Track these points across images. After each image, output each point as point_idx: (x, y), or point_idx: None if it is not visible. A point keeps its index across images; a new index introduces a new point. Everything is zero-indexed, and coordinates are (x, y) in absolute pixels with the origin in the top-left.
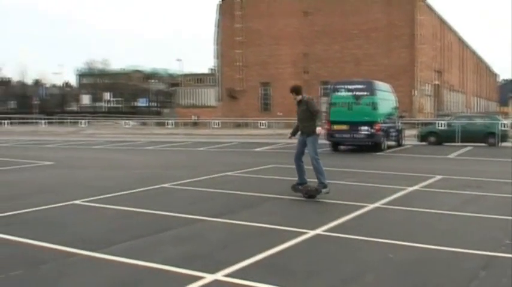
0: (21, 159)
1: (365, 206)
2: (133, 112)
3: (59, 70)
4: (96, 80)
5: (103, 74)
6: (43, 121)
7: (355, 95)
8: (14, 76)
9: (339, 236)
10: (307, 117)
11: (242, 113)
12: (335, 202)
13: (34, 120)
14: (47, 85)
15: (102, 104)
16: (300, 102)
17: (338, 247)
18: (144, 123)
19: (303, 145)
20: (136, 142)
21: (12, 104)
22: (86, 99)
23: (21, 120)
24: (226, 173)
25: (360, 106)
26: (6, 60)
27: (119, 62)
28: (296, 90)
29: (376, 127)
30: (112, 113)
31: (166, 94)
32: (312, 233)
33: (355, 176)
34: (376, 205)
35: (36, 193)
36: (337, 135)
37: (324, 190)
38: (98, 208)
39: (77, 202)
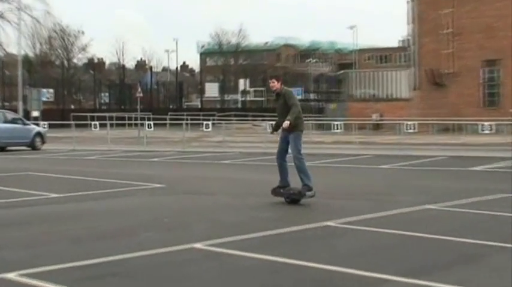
0: (121, 179)
1: None
2: None
3: (172, 47)
4: (227, 60)
5: (238, 51)
6: (148, 123)
7: None
8: (107, 56)
9: None
10: (285, 111)
11: (452, 109)
12: None
13: (134, 121)
14: (156, 69)
15: (236, 96)
16: (278, 95)
17: None
18: None
19: (285, 142)
20: None
21: (105, 98)
22: (212, 89)
23: (117, 121)
24: (428, 207)
25: None
26: (96, 33)
27: (260, 33)
28: (276, 77)
29: None
30: (250, 110)
31: (332, 81)
32: None
33: None
34: None
35: (144, 229)
36: None
37: (308, 193)
38: (229, 256)
39: (198, 245)
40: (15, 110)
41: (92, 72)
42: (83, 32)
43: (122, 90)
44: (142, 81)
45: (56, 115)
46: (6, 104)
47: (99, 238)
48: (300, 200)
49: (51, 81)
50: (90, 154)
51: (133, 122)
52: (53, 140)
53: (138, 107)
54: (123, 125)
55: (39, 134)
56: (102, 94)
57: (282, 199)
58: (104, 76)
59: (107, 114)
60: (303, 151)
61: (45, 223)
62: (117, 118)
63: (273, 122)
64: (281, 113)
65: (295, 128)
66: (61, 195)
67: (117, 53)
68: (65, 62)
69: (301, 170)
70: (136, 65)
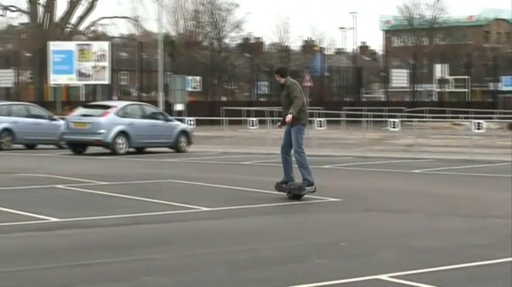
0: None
1: None
2: (491, 103)
3: (348, 23)
4: (419, 40)
5: (433, 28)
6: (319, 119)
7: None
8: (267, 36)
9: None
10: (289, 104)
11: None
12: None
13: None
14: (328, 52)
15: (431, 86)
16: (282, 86)
17: None
18: None
19: (288, 136)
20: (496, 164)
21: (264, 88)
22: (399, 77)
23: (279, 117)
24: None
25: None
26: (253, 6)
27: (462, 5)
28: (281, 72)
29: None
30: (449, 104)
31: None
32: None
33: None
34: None
35: (316, 254)
36: None
37: (307, 188)
38: None
39: (384, 277)
40: (154, 103)
41: (247, 55)
42: (237, 5)
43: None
44: (311, 67)
45: (204, 109)
46: (144, 95)
47: (261, 264)
48: (301, 196)
49: (198, 67)
50: (246, 158)
51: None
52: (200, 140)
53: (306, 99)
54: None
55: (184, 132)
56: (260, 83)
57: (498, 222)
58: (263, 60)
59: (266, 108)
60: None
61: (193, 243)
62: (279, 113)
63: (479, 120)
64: (285, 105)
65: (298, 121)
66: (211, 209)
67: (278, 32)
68: (215, 43)
69: (302, 165)
70: (303, 47)
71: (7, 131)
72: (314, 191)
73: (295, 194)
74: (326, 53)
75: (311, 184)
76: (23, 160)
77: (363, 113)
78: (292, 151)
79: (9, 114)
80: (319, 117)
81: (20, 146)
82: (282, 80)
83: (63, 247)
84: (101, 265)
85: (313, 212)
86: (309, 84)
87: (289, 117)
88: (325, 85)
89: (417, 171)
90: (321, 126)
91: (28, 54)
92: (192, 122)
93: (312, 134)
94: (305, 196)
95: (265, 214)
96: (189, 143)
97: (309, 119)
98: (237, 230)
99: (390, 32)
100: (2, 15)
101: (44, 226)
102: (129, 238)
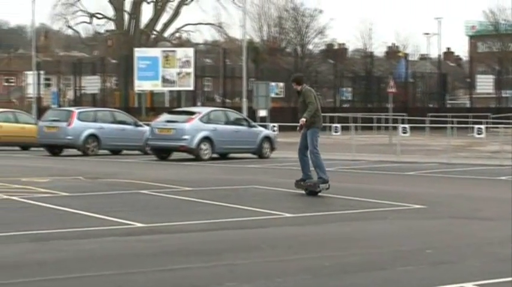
0: (368, 197)
1: None
2: None
3: (433, 29)
4: (505, 45)
5: None
6: (403, 126)
7: None
8: (351, 42)
9: None
10: (305, 109)
11: None
12: None
13: (385, 124)
14: (412, 58)
15: None
16: (299, 93)
17: None
18: None
19: (305, 138)
20: None
21: (347, 94)
22: (485, 83)
23: (363, 124)
24: None
25: None
26: (337, 12)
27: None
28: (297, 81)
29: None
30: None
31: None
32: None
33: None
34: None
35: (401, 262)
36: None
37: (322, 185)
38: None
39: (469, 285)
40: (238, 109)
41: (331, 61)
42: (320, 11)
43: (368, 84)
44: (395, 73)
45: (287, 115)
46: (228, 101)
47: (345, 271)
48: (317, 192)
49: (281, 73)
50: (330, 164)
51: (383, 125)
52: (283, 146)
53: (390, 105)
54: (370, 128)
55: (267, 138)
56: (344, 89)
57: None
58: (346, 66)
59: (349, 114)
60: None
61: (276, 249)
62: (363, 120)
63: None
64: (302, 110)
65: (313, 124)
66: (296, 215)
67: (362, 37)
68: (298, 49)
69: (317, 165)
70: (386, 53)
71: (93, 137)
72: (328, 188)
73: (311, 191)
74: (410, 58)
75: (325, 181)
76: (108, 166)
77: (448, 119)
78: (308, 152)
79: (95, 121)
80: (402, 123)
81: (106, 151)
82: (299, 88)
83: (147, 252)
84: (184, 271)
85: (397, 218)
86: (393, 90)
87: (302, 120)
88: (409, 91)
89: (503, 178)
90: (405, 132)
91: (114, 61)
92: (275, 128)
93: (395, 140)
94: (389, 202)
95: (348, 221)
96: (272, 149)
97: (393, 125)
98: (321, 237)
99: (475, 38)
100: (89, 23)
101: (129, 231)
102: (213, 244)
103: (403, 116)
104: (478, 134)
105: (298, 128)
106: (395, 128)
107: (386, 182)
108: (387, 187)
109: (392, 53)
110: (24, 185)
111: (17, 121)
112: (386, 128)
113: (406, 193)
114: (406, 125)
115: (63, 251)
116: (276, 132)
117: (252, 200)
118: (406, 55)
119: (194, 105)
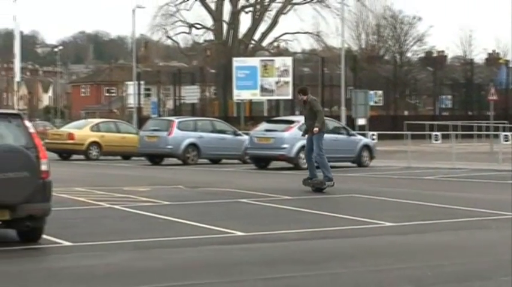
0: (468, 206)
1: None
2: None
3: None
4: None
5: None
6: (504, 134)
7: None
8: (450, 49)
9: None
10: (312, 117)
11: None
12: None
13: (486, 132)
14: None
15: None
16: (305, 103)
17: None
18: None
19: (311, 142)
20: None
21: (447, 102)
22: None
23: (463, 132)
24: None
25: None
26: (436, 19)
27: None
28: (303, 91)
29: None
30: None
31: None
32: None
33: None
34: None
35: (502, 271)
36: None
37: (328, 183)
38: None
39: None
40: (337, 117)
41: (430, 69)
42: (419, 19)
43: (468, 91)
44: (496, 80)
45: (386, 123)
46: (326, 109)
47: (446, 281)
48: (322, 189)
49: (380, 81)
50: (429, 173)
51: (484, 132)
52: (383, 155)
53: (491, 113)
54: (471, 136)
55: (366, 147)
56: (444, 97)
57: None
58: (446, 74)
59: (449, 122)
60: None
61: (378, 258)
62: (463, 128)
63: None
64: (308, 117)
65: (319, 130)
66: (396, 224)
67: (462, 44)
68: (397, 57)
69: (323, 165)
70: (487, 59)
71: (193, 146)
72: (333, 186)
73: (318, 188)
74: (511, 65)
75: (330, 179)
76: (208, 175)
77: None
78: (314, 154)
79: (195, 130)
80: (504, 131)
81: (205, 160)
82: (304, 98)
83: (248, 261)
84: (286, 279)
85: (500, 228)
86: (494, 97)
87: (316, 129)
88: (511, 98)
89: None
90: (507, 140)
91: (212, 71)
92: (374, 137)
93: (496, 148)
94: (490, 211)
95: (451, 230)
96: (371, 157)
97: (494, 133)
98: (423, 246)
99: None
100: (188, 33)
101: (230, 240)
102: (314, 252)
103: (505, 123)
104: None
105: (302, 133)
106: (496, 136)
107: (488, 191)
108: (488, 196)
109: (493, 59)
110: (126, 194)
111: (118, 131)
112: (487, 136)
113: (507, 202)
114: (508, 133)
115: (165, 259)
116: (375, 141)
117: (352, 208)
118: (507, 62)
119: (292, 114)
